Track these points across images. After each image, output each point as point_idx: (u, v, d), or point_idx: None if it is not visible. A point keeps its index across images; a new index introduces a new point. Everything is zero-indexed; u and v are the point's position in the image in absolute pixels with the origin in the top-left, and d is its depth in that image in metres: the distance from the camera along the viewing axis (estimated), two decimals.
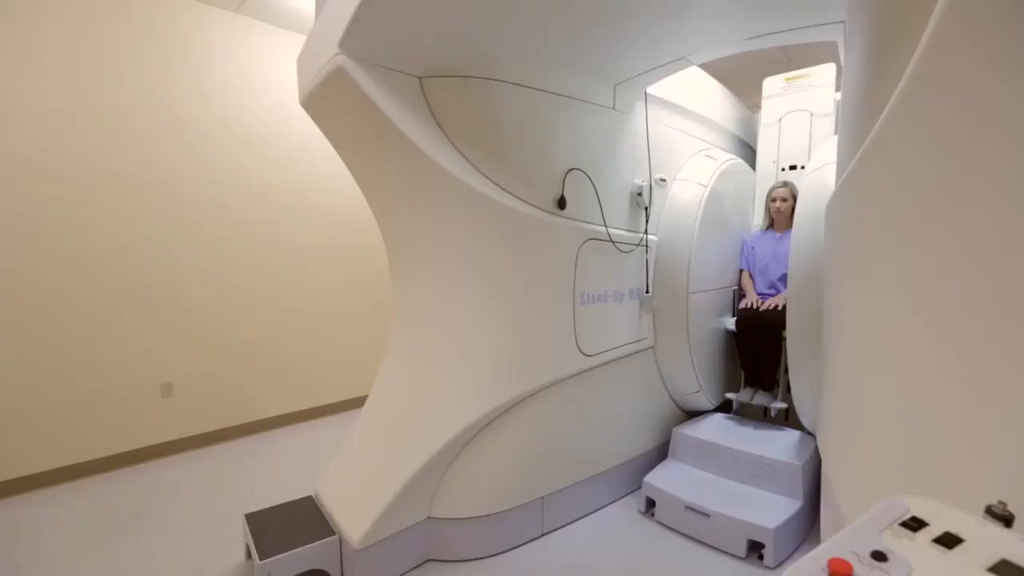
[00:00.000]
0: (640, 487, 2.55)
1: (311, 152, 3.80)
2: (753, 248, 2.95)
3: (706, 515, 2.25)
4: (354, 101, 1.83)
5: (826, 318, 1.76)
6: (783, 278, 2.70)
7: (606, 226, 2.45)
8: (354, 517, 2.00)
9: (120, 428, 3.12)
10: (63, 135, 2.88)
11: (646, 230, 2.69)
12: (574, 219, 2.32)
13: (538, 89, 2.15)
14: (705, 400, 2.92)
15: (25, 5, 2.75)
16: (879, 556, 0.51)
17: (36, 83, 2.79)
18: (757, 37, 2.07)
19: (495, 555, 2.19)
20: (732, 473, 2.46)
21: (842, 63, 2.10)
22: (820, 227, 2.03)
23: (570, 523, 2.44)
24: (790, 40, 2.10)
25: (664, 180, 2.81)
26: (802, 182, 2.54)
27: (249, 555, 2.00)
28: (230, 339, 3.54)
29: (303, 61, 2.10)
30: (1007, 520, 0.56)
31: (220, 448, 3.42)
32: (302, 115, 2.31)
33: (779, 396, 2.79)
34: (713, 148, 3.19)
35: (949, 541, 0.52)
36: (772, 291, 2.83)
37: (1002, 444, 0.79)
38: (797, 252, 2.35)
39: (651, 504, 2.48)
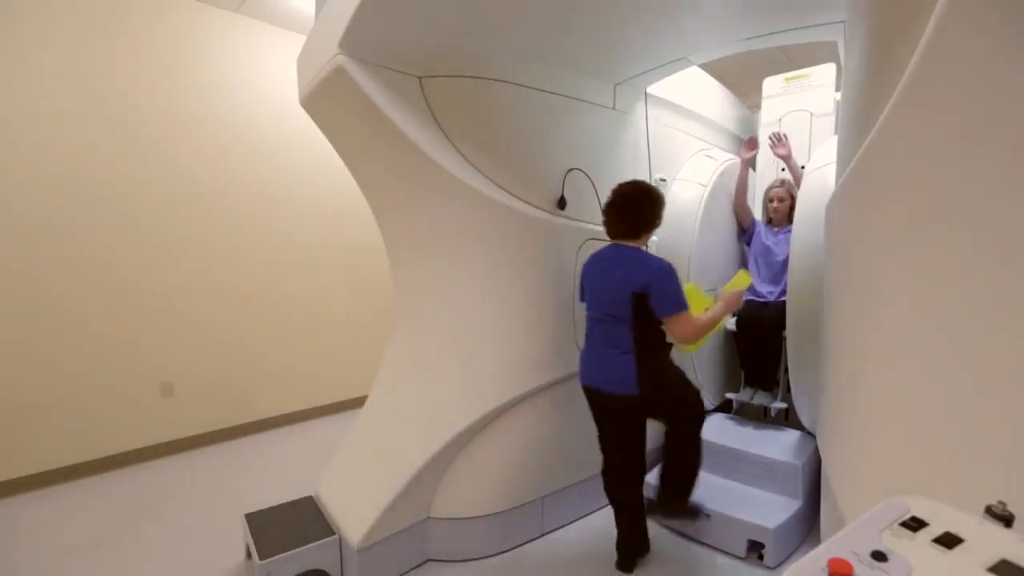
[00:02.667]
0: None
1: (311, 152, 3.80)
2: (759, 233, 2.95)
3: (706, 515, 2.24)
4: (354, 101, 1.83)
5: (826, 318, 1.76)
6: (784, 263, 2.69)
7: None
8: (354, 517, 2.00)
9: (120, 428, 3.12)
10: (64, 135, 2.88)
11: None
12: (574, 219, 2.32)
13: (538, 89, 2.15)
14: (705, 400, 2.92)
15: (26, 5, 2.75)
16: (879, 556, 0.51)
17: (36, 83, 2.79)
18: (757, 37, 2.07)
19: (495, 555, 2.19)
20: (732, 473, 2.46)
21: (842, 63, 2.10)
22: (820, 227, 2.03)
23: (570, 523, 2.44)
24: (790, 40, 2.10)
25: (664, 180, 2.81)
26: (802, 182, 2.54)
27: (249, 555, 2.00)
28: (230, 339, 3.54)
29: (303, 61, 2.10)
30: (1007, 520, 0.56)
31: (220, 448, 3.42)
32: (302, 115, 2.31)
33: (779, 396, 2.79)
34: (713, 148, 3.19)
35: (949, 541, 0.52)
36: (772, 286, 2.82)
37: (1002, 444, 0.79)
38: (797, 252, 2.35)
39: (651, 504, 2.48)
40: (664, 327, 1.86)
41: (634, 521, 2.09)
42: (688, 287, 1.94)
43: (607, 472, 2.11)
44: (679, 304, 1.78)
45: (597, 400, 1.99)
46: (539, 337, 2.25)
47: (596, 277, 1.97)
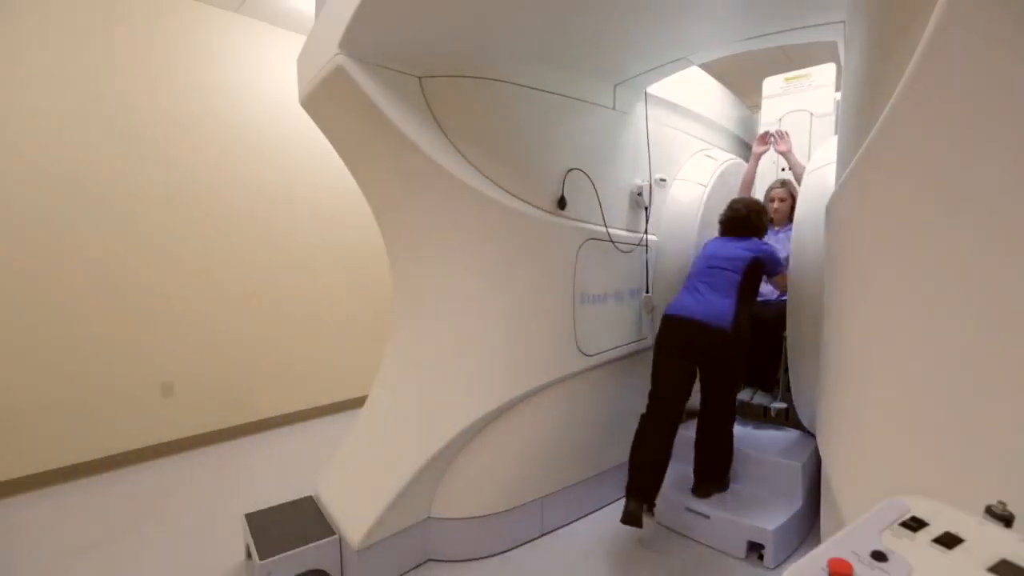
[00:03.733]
0: None
1: (311, 152, 3.80)
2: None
3: (706, 516, 2.24)
4: (354, 101, 1.83)
5: (826, 318, 1.76)
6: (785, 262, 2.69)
7: (606, 226, 2.45)
8: (354, 517, 2.00)
9: (120, 428, 3.12)
10: (64, 135, 2.88)
11: (646, 230, 2.69)
12: (574, 219, 2.32)
13: (538, 89, 2.15)
14: None
15: (26, 5, 2.75)
16: (879, 556, 0.51)
17: (36, 83, 2.79)
18: (757, 37, 2.07)
19: (495, 555, 2.19)
20: (732, 473, 2.46)
21: (842, 63, 2.10)
22: (820, 227, 2.03)
23: (570, 523, 2.44)
24: (790, 40, 2.10)
25: (664, 180, 2.81)
26: (802, 182, 2.54)
27: (249, 555, 2.00)
28: (230, 339, 3.54)
29: (303, 61, 2.10)
30: (1007, 520, 0.56)
31: (220, 448, 3.42)
32: (302, 115, 2.31)
33: (779, 396, 2.79)
34: (713, 148, 3.19)
35: (949, 541, 0.52)
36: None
37: (1002, 444, 0.79)
38: (797, 252, 2.35)
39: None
40: (770, 281, 2.48)
41: (655, 471, 2.17)
42: None
43: (648, 417, 2.27)
44: (782, 267, 2.43)
45: (683, 330, 2.25)
46: (539, 337, 2.25)
47: (717, 246, 2.45)
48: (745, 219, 2.45)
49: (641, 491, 2.14)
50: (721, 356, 2.25)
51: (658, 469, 2.18)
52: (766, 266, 2.36)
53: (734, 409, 2.38)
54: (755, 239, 2.44)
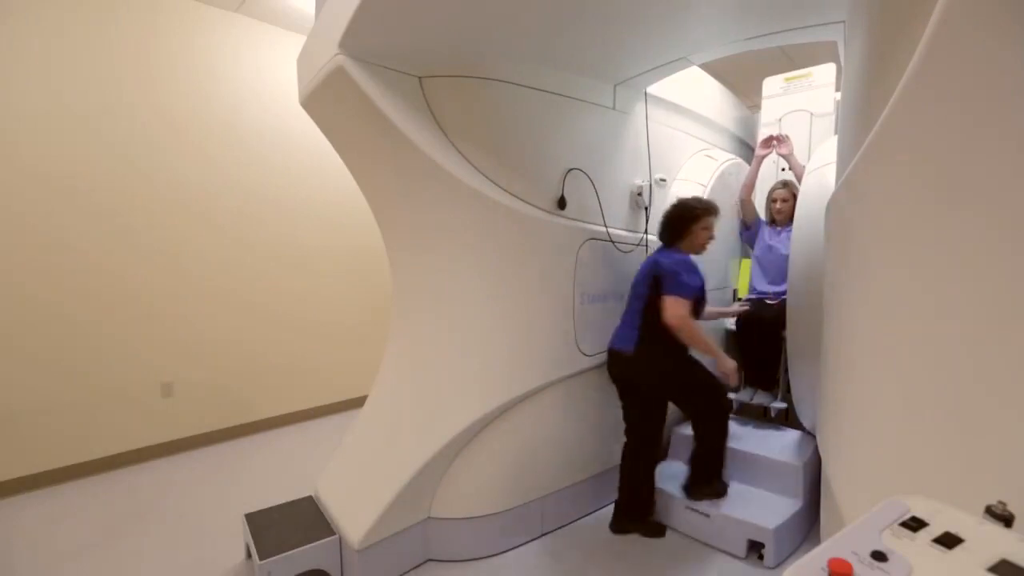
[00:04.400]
0: None
1: (311, 153, 3.80)
2: (762, 235, 2.95)
3: (706, 515, 2.24)
4: (354, 101, 1.83)
5: (826, 318, 1.76)
6: (787, 261, 2.70)
7: (606, 226, 2.45)
8: (354, 517, 2.00)
9: (120, 428, 3.12)
10: (63, 137, 2.88)
11: (646, 230, 2.69)
12: (574, 219, 2.32)
13: (538, 89, 2.15)
14: None
15: (24, 5, 2.75)
16: (879, 556, 0.51)
17: (35, 84, 2.79)
18: (757, 37, 2.07)
19: (495, 555, 2.19)
20: (732, 473, 2.46)
21: (842, 63, 2.10)
22: (820, 227, 2.03)
23: (570, 523, 2.44)
24: (790, 40, 2.10)
25: (664, 180, 2.81)
26: (802, 182, 2.54)
27: (249, 555, 2.00)
28: (230, 339, 3.54)
29: (303, 61, 2.10)
30: (1007, 520, 0.56)
31: (220, 448, 3.42)
32: (302, 115, 2.31)
33: (779, 396, 2.79)
34: (713, 148, 3.19)
35: (949, 541, 0.52)
36: (775, 286, 2.82)
37: (1002, 444, 0.79)
38: (797, 252, 2.35)
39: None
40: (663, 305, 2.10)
41: (630, 491, 2.32)
42: None
43: (624, 444, 2.35)
44: (676, 288, 2.06)
45: (611, 361, 2.28)
46: (539, 337, 2.25)
47: (643, 264, 2.31)
48: (666, 222, 2.26)
49: (620, 507, 2.34)
50: (638, 383, 2.23)
51: (632, 489, 2.30)
52: (661, 282, 2.07)
53: (723, 412, 2.27)
54: (669, 250, 2.21)
